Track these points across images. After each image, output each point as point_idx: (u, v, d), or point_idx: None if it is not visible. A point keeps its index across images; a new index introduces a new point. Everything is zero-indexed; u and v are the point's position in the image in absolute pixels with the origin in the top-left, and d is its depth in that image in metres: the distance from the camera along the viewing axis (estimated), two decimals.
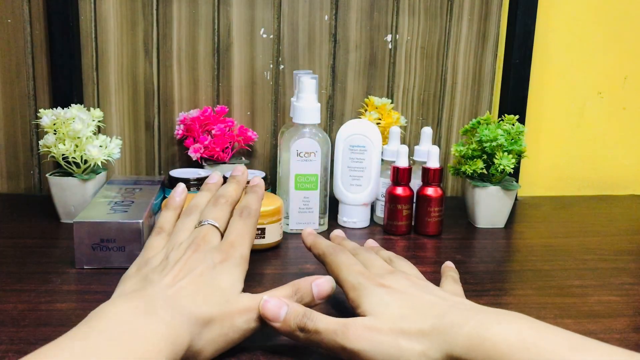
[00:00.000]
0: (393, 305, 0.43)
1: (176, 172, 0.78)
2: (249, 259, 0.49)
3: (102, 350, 0.35)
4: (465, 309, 0.41)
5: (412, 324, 0.40)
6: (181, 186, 0.56)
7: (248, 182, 0.56)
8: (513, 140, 0.76)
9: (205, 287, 0.44)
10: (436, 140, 0.95)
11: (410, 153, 0.76)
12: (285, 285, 0.47)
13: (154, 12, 0.86)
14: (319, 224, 0.75)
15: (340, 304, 0.53)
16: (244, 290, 0.46)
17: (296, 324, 0.43)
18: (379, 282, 0.45)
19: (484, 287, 0.60)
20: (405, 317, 0.41)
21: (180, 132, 0.85)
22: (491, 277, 0.63)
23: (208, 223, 0.50)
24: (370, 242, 0.61)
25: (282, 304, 0.44)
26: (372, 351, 0.40)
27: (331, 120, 0.92)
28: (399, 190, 0.74)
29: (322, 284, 0.47)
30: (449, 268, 0.56)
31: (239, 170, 0.57)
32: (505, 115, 0.79)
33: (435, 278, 0.54)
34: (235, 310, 0.44)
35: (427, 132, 0.79)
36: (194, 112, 0.84)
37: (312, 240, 0.55)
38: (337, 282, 0.48)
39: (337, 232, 0.60)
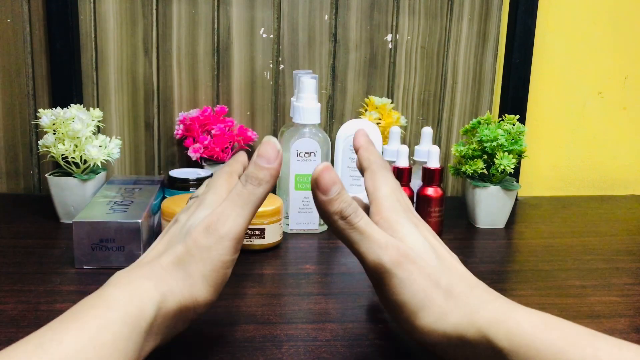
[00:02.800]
0: (429, 252, 0.41)
1: (176, 172, 0.77)
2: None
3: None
4: (488, 291, 0.41)
5: (446, 281, 0.40)
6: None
7: None
8: (513, 140, 0.76)
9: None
10: (436, 140, 0.95)
11: (410, 153, 0.76)
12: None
13: (154, 12, 0.86)
14: (319, 224, 0.75)
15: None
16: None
17: (341, 209, 0.40)
18: (415, 221, 0.44)
19: None
20: (441, 272, 0.40)
21: (180, 132, 0.85)
22: (491, 277, 0.62)
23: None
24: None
25: (337, 181, 0.40)
26: (403, 281, 0.39)
27: (331, 120, 0.92)
28: None
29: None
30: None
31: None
32: (506, 115, 0.79)
33: None
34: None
35: (427, 132, 0.79)
36: (194, 112, 0.84)
37: (364, 142, 0.49)
38: (371, 195, 0.45)
39: (363, 132, 0.50)
